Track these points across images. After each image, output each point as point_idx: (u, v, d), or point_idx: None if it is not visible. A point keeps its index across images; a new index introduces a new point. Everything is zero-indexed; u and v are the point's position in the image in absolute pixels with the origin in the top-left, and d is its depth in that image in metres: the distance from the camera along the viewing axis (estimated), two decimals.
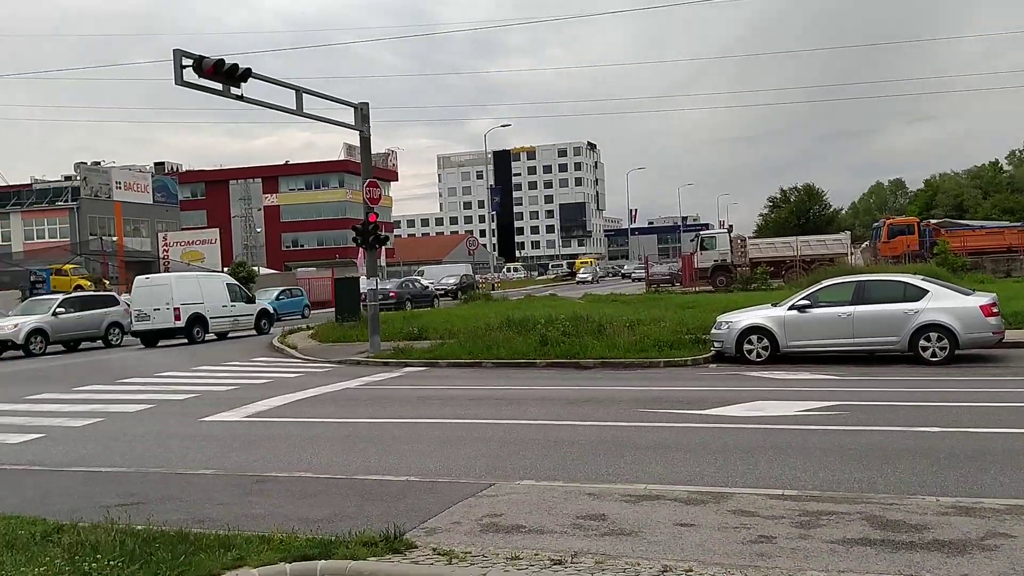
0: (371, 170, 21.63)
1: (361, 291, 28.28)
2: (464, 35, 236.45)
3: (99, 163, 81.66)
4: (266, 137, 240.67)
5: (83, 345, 28.04)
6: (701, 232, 52.77)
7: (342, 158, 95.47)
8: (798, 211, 79.22)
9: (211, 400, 14.13)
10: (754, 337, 16.18)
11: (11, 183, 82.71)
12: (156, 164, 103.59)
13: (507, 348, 18.41)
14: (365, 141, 21.27)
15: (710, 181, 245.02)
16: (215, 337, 28.84)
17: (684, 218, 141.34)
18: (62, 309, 26.80)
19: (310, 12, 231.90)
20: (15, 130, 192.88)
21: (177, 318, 27.02)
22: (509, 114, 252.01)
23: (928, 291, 15.52)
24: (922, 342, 15.16)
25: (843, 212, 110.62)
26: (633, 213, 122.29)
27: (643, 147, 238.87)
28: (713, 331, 17.01)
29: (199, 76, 16.05)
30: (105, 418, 12.76)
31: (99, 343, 28.02)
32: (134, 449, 10.40)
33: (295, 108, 18.82)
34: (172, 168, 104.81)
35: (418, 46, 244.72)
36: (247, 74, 16.66)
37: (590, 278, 76.80)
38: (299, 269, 74.49)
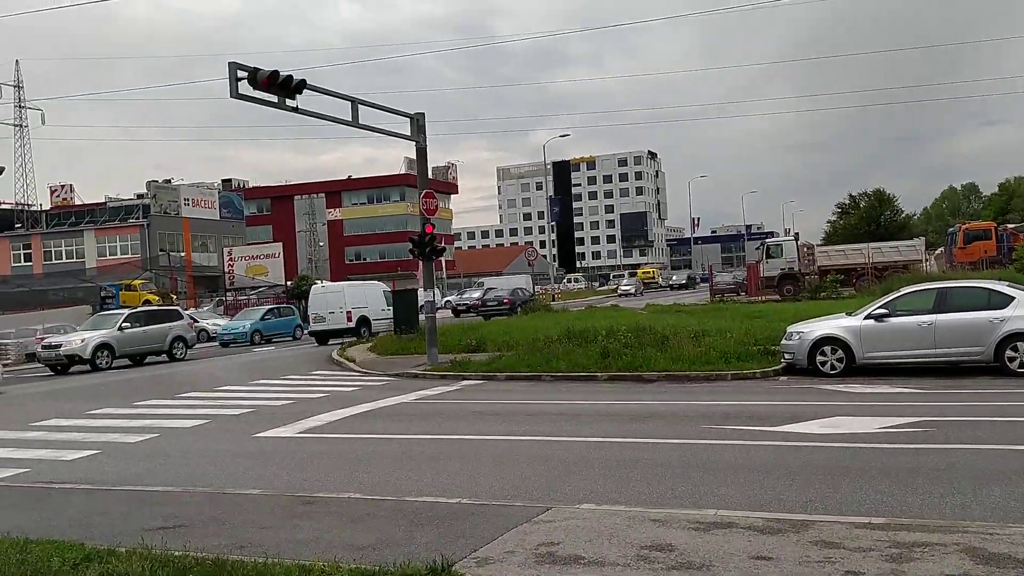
0: (428, 181, 21.39)
1: (420, 302, 28.18)
2: (523, 48, 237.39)
3: (169, 181, 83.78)
4: (330, 153, 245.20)
5: (149, 359, 28.43)
6: (767, 240, 51.40)
7: (403, 172, 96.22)
8: (868, 217, 76.72)
9: (266, 415, 13.93)
10: (828, 348, 15.37)
11: (87, 202, 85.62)
12: (224, 181, 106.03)
13: (567, 361, 17.91)
14: (421, 152, 21.04)
15: (774, 189, 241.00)
16: (371, 335, 31.23)
17: (748, 226, 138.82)
18: (127, 324, 27.19)
19: (371, 29, 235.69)
20: (96, 151, 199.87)
21: (349, 319, 31.67)
22: (569, 125, 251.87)
23: (1015, 298, 14.55)
24: (1009, 352, 14.21)
25: (915, 218, 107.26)
26: (695, 222, 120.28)
27: (704, 155, 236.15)
28: (783, 342, 16.24)
29: (254, 88, 15.98)
30: (160, 434, 12.65)
31: (164, 357, 28.35)
32: (185, 466, 10.19)
33: (351, 120, 18.67)
34: (239, 184, 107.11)
35: (478, 60, 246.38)
36: (302, 85, 16.55)
37: (632, 291, 71.68)
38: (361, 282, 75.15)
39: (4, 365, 26.24)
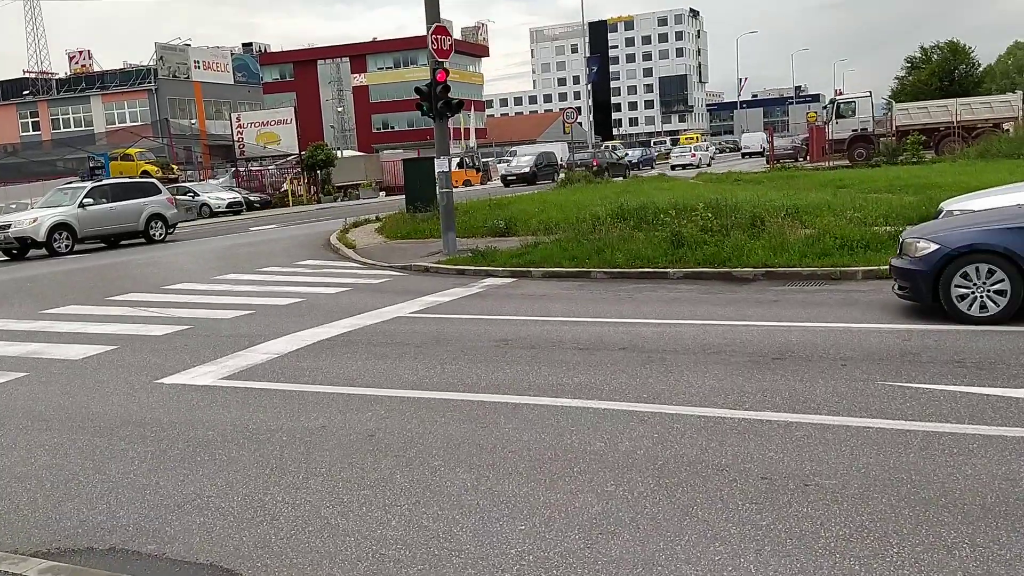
0: (438, 13, 16.36)
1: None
2: None
3: (188, 44, 78.03)
4: (358, 18, 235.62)
5: (125, 241, 24.32)
6: (837, 98, 45.37)
7: None
8: (941, 72, 68.89)
9: (199, 338, 9.67)
10: None
11: (105, 68, 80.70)
12: (244, 45, 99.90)
13: (624, 251, 13.32)
14: None
15: (814, 50, 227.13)
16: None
17: (797, 87, 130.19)
18: (90, 200, 22.78)
19: None
20: (122, 19, 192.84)
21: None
22: None
23: None
24: None
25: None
26: (741, 82, 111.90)
27: (746, 15, 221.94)
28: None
29: None
30: (30, 372, 8.48)
31: (141, 239, 24.20)
32: (2, 459, 6.01)
33: None
34: (261, 49, 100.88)
35: None
36: None
37: (696, 162, 59.57)
38: (384, 152, 70.10)
39: None
